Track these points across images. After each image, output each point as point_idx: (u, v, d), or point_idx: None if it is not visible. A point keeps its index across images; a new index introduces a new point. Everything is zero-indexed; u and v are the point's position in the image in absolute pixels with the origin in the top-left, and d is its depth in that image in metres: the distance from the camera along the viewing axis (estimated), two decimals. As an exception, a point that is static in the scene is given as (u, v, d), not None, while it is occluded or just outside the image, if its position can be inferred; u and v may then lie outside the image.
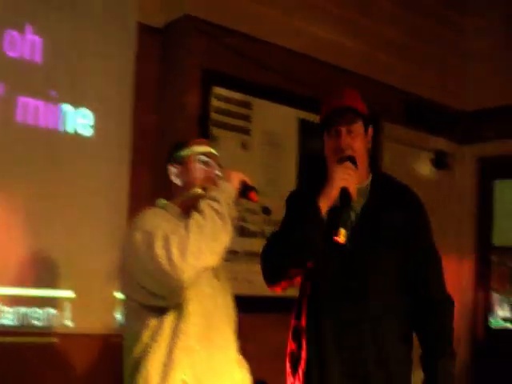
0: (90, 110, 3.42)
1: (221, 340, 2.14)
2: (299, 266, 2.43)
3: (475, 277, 5.28)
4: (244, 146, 3.78)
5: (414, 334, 2.54)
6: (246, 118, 3.81)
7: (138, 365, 2.04)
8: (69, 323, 3.26)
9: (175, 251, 1.88)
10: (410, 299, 2.48)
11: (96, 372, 3.32)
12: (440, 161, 5.21)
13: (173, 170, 2.28)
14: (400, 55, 4.76)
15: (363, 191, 2.50)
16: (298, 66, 4.14)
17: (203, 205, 2.00)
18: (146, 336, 2.04)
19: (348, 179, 2.34)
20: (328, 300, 2.44)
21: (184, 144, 2.32)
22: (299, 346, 2.54)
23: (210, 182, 2.22)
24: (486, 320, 5.27)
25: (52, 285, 3.24)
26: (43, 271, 3.23)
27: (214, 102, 3.66)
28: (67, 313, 3.25)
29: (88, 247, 3.35)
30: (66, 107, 3.35)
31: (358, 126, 2.48)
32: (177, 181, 2.27)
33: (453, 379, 2.42)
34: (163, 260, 1.88)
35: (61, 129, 3.33)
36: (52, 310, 3.23)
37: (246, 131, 3.80)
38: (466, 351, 5.19)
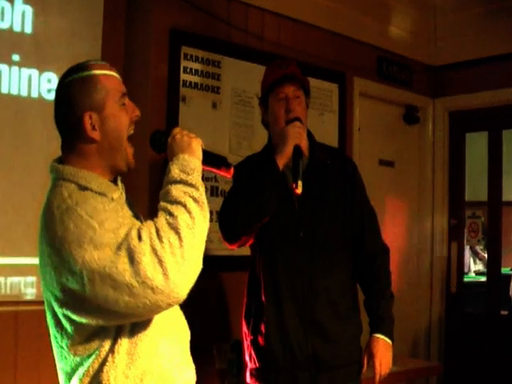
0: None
1: (175, 329, 1.82)
2: (260, 221, 2.61)
3: (448, 231, 5.33)
4: (214, 105, 3.74)
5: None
6: (216, 76, 3.75)
7: (94, 380, 1.64)
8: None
9: (170, 265, 1.49)
10: (352, 253, 2.79)
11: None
12: (411, 115, 5.21)
13: (89, 119, 1.66)
14: (370, 10, 4.71)
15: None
16: (267, 23, 4.07)
17: (180, 194, 1.59)
18: (103, 349, 1.63)
19: (299, 137, 2.60)
20: (281, 252, 2.66)
21: (91, 79, 1.70)
22: (257, 298, 2.72)
23: (131, 126, 1.79)
24: (459, 273, 5.33)
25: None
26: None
27: (184, 62, 3.59)
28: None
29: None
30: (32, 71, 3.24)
31: (302, 94, 2.73)
32: (95, 134, 1.68)
33: (392, 316, 2.77)
34: (157, 279, 1.48)
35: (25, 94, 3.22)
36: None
37: (216, 90, 3.75)
38: (440, 303, 5.28)
